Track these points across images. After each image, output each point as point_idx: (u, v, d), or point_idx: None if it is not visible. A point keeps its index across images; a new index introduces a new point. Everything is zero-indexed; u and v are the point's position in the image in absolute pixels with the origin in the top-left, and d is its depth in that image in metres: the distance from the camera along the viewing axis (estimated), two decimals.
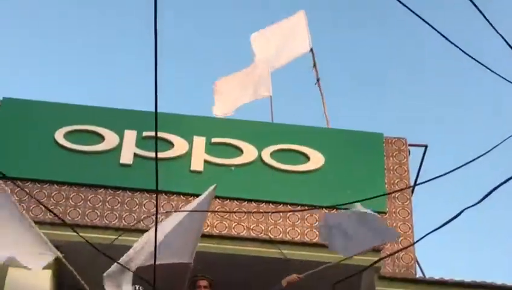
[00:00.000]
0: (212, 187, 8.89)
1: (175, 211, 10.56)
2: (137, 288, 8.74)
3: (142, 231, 9.82)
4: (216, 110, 14.12)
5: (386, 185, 11.48)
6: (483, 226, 27.35)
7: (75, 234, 8.47)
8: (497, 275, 33.86)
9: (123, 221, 10.74)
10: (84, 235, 8.38)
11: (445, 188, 25.95)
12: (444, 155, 22.79)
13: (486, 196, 4.17)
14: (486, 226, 27.31)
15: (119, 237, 9.63)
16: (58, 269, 9.36)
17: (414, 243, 8.35)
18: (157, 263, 7.72)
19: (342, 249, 8.71)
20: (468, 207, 4.21)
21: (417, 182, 12.04)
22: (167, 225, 8.78)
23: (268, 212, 11.05)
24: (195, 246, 8.79)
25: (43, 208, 10.38)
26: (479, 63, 4.71)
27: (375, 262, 4.64)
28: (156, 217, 7.44)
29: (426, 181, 4.59)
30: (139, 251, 8.40)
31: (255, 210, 11.08)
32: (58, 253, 8.35)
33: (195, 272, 9.30)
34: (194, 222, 8.80)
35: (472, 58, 4.56)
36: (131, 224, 10.54)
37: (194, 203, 9.03)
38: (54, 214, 5.23)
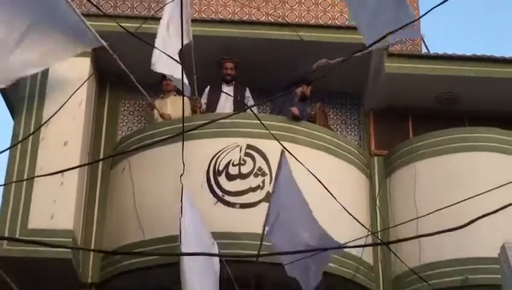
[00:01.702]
0: None
1: None
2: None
3: None
4: None
5: None
6: None
7: (109, 24, 8.85)
8: (498, 50, 34.57)
9: (152, 11, 11.26)
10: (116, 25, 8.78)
11: None
12: None
13: None
14: None
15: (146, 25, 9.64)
16: (95, 56, 9.84)
17: (419, 17, 8.61)
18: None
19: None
20: None
21: None
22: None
23: None
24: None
25: None
26: None
27: (383, 37, 5.05)
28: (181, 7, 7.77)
29: None
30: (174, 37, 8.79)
31: None
32: (102, 41, 8.55)
33: (222, 55, 10.07)
34: None
35: None
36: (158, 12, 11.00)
37: None
38: (92, 3, 5.79)
